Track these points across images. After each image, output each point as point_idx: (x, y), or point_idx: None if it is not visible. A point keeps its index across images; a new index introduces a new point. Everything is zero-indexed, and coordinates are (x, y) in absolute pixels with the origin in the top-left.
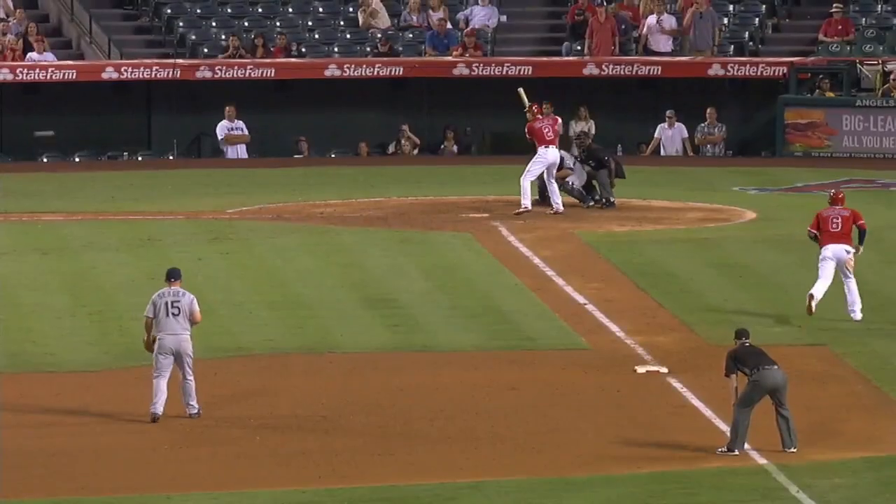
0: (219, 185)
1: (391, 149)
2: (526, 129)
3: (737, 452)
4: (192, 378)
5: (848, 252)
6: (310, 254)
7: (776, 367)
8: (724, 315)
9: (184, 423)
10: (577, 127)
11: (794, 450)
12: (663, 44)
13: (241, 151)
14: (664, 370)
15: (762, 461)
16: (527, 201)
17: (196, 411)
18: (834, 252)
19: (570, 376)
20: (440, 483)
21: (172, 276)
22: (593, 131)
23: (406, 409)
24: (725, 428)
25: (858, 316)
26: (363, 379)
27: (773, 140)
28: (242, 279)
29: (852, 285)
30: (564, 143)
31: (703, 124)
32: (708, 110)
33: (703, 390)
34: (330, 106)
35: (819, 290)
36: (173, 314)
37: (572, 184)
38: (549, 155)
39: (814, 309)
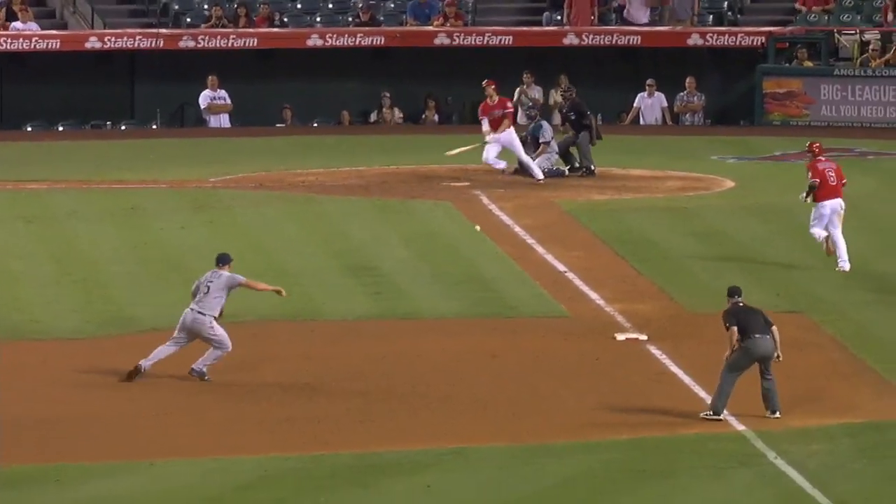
0: (202, 155)
1: (373, 118)
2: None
3: (721, 418)
4: (218, 351)
5: (842, 206)
6: (292, 222)
7: (767, 336)
8: (703, 283)
9: (169, 390)
10: (556, 97)
11: (779, 414)
12: (642, 14)
13: (223, 120)
14: (644, 337)
15: (741, 427)
16: (501, 165)
17: (198, 371)
18: (832, 207)
19: (550, 344)
20: (422, 449)
21: (220, 260)
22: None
23: (388, 376)
24: (704, 395)
25: (847, 266)
26: (346, 346)
27: (752, 109)
28: (226, 247)
29: (840, 237)
30: (546, 112)
31: (682, 93)
32: (687, 79)
33: (682, 358)
34: (312, 75)
35: (823, 233)
36: (203, 293)
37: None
38: (501, 139)
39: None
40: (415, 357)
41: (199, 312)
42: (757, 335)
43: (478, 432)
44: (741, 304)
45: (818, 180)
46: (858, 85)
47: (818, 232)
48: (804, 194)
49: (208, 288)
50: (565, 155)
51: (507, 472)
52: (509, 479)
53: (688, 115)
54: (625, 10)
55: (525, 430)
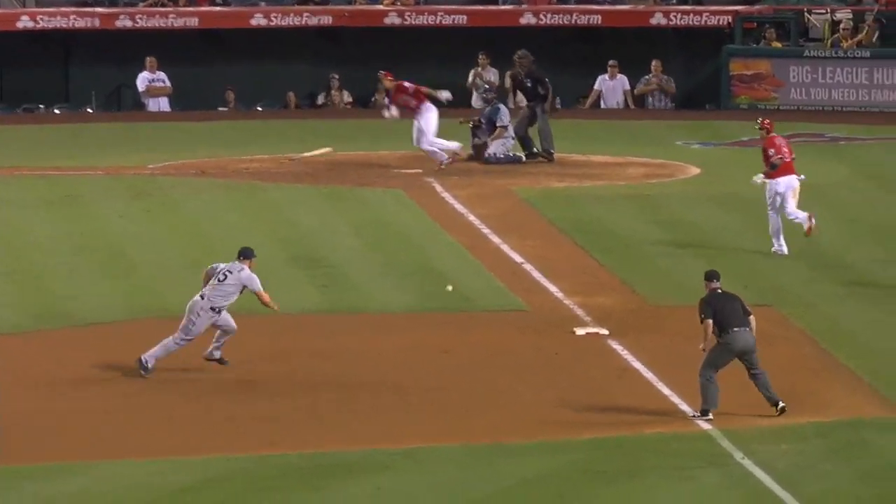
0: (140, 140)
1: (321, 100)
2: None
3: (711, 416)
4: (227, 336)
5: (797, 182)
6: (236, 211)
7: (747, 328)
8: (666, 275)
9: (107, 390)
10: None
11: (782, 404)
12: None
13: (162, 104)
14: (605, 332)
15: (706, 426)
16: (451, 147)
17: (211, 355)
18: (787, 184)
19: (507, 338)
20: (373, 449)
21: (243, 254)
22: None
23: (337, 373)
24: (668, 392)
25: (785, 250)
26: (292, 342)
27: (718, 92)
28: (166, 237)
29: (793, 213)
30: (503, 95)
31: (647, 76)
32: (653, 62)
33: (644, 353)
34: (256, 56)
35: (802, 214)
36: (218, 279)
37: (495, 154)
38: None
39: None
40: (365, 353)
41: (212, 308)
42: (735, 328)
43: (431, 432)
44: (720, 291)
45: (780, 158)
46: (829, 66)
47: (800, 215)
48: (760, 176)
49: (225, 276)
50: (524, 139)
51: (462, 474)
52: (464, 480)
53: (654, 98)
54: None
55: (480, 429)
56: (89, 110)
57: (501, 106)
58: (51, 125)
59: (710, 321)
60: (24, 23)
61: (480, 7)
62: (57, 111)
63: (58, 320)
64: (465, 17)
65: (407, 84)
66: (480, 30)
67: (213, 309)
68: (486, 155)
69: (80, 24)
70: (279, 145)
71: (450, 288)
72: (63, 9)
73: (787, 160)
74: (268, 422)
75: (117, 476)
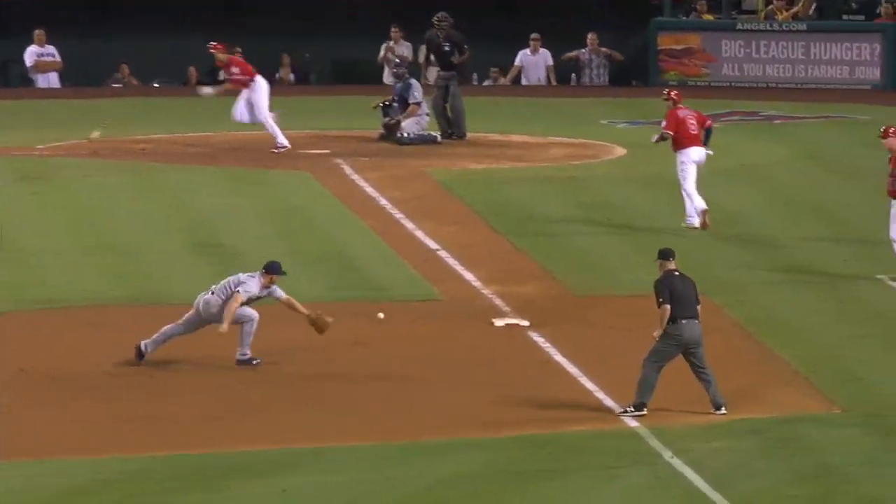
0: (28, 118)
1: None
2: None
3: (645, 411)
4: (247, 325)
5: (708, 151)
6: (131, 194)
7: (696, 320)
8: (590, 261)
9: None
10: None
11: (724, 410)
12: None
13: (52, 80)
14: (525, 323)
15: (633, 424)
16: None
17: (245, 360)
18: (698, 155)
19: (421, 330)
20: (278, 449)
21: (268, 269)
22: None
23: (239, 368)
24: (592, 386)
25: (696, 222)
26: (192, 334)
27: (646, 68)
28: (56, 223)
29: (702, 203)
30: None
31: (583, 50)
32: (589, 36)
33: (567, 345)
34: (153, 29)
35: (701, 200)
36: (229, 282)
37: (409, 134)
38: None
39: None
40: (269, 346)
41: (213, 294)
42: (684, 320)
43: (340, 430)
44: (677, 273)
45: (672, 132)
46: (764, 41)
47: (698, 202)
48: (655, 136)
49: (238, 281)
50: (441, 117)
51: (373, 475)
52: (375, 482)
53: (591, 71)
54: None
55: (393, 427)
56: None
57: (413, 81)
58: None
59: (668, 306)
60: None
61: None
62: None
63: None
64: None
65: (237, 60)
66: (392, 1)
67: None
68: (399, 135)
69: None
70: (178, 124)
71: (381, 315)
72: None
73: (694, 133)
74: (165, 420)
75: (2, 478)
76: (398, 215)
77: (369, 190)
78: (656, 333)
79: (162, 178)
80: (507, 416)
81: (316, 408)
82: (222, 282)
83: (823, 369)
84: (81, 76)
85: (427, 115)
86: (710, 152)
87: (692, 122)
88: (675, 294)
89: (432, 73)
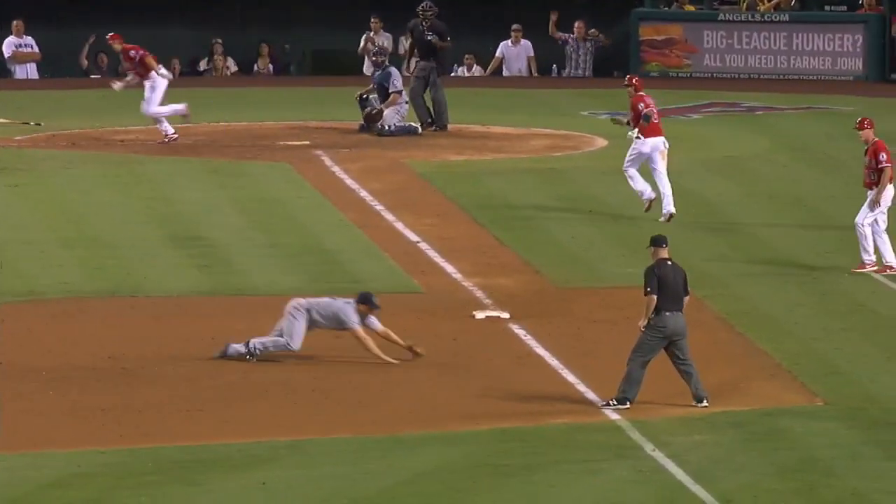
0: (6, 109)
1: (202, 67)
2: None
3: (628, 405)
4: (281, 340)
5: (665, 144)
6: (110, 186)
7: (680, 312)
8: (571, 254)
9: None
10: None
11: (706, 403)
12: None
13: (30, 71)
14: (506, 315)
15: (615, 416)
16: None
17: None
18: (653, 145)
19: (402, 322)
20: (256, 442)
21: (367, 301)
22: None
23: (218, 360)
24: (574, 379)
25: (673, 209)
26: (170, 326)
27: (627, 59)
28: (34, 214)
29: (665, 177)
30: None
31: (570, 35)
32: (576, 24)
33: (548, 338)
34: (133, 19)
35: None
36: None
37: (389, 126)
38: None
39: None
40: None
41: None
42: (668, 312)
43: (319, 423)
44: (668, 262)
45: (653, 110)
46: (746, 31)
47: (646, 192)
48: (635, 131)
49: (345, 312)
50: (420, 107)
51: (352, 468)
52: (354, 474)
53: (574, 58)
54: None
55: (372, 419)
56: None
57: (393, 69)
58: None
59: (656, 297)
60: None
61: None
62: None
63: None
64: None
65: (133, 52)
66: None
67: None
68: (381, 126)
69: None
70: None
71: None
72: None
73: (656, 121)
74: (142, 412)
75: None
76: (378, 207)
77: (349, 182)
78: (642, 324)
79: (141, 169)
80: (488, 409)
81: (295, 400)
82: (318, 299)
83: (806, 362)
84: (60, 67)
85: (406, 102)
86: (668, 144)
87: (655, 112)
88: (665, 284)
89: (414, 64)
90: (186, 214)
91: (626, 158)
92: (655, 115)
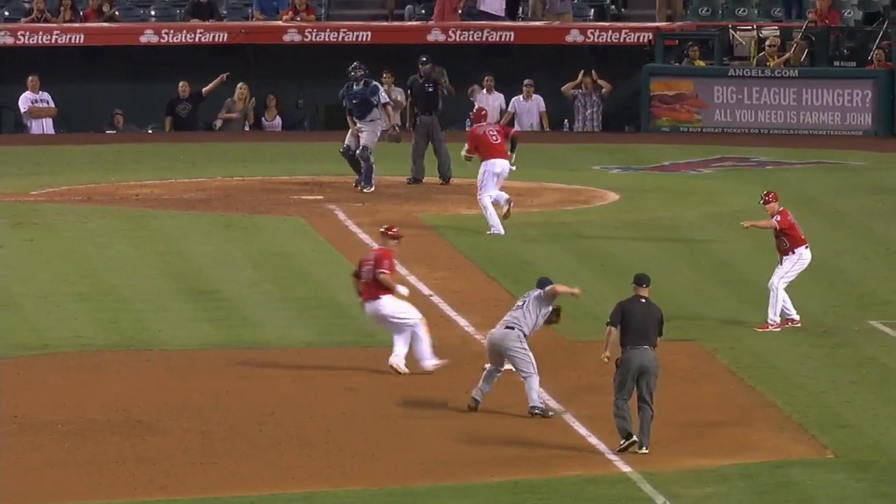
0: (22, 164)
1: (218, 125)
2: None
3: (634, 438)
4: (531, 379)
5: (511, 166)
6: (124, 240)
7: (647, 347)
8: (583, 307)
9: None
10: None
11: (645, 450)
12: (496, 6)
13: (46, 126)
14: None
15: (626, 468)
16: None
17: (539, 408)
18: (502, 166)
19: (413, 375)
20: (269, 494)
21: (541, 285)
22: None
23: (232, 412)
24: (585, 432)
25: (501, 230)
26: (184, 379)
27: (638, 114)
28: (49, 268)
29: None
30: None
31: (577, 91)
32: (582, 76)
33: (560, 390)
34: (148, 76)
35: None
36: (517, 306)
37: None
38: None
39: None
40: (261, 391)
41: (507, 326)
42: (633, 347)
43: (331, 474)
44: (642, 300)
45: (472, 155)
46: (756, 87)
47: (489, 209)
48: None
49: (524, 302)
50: (419, 164)
51: None
52: None
53: (584, 110)
54: (479, 1)
55: (384, 471)
56: None
57: (375, 83)
58: None
59: (613, 329)
60: None
61: (385, 23)
62: None
63: None
64: (368, 33)
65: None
66: (385, 47)
67: (509, 326)
68: (362, 148)
69: None
70: (171, 170)
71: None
72: None
73: (497, 143)
74: (156, 464)
75: None
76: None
77: (362, 235)
78: (603, 356)
79: (155, 224)
80: (500, 461)
81: (304, 452)
82: (520, 310)
83: (815, 414)
84: (75, 122)
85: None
86: (514, 167)
87: (494, 134)
88: (631, 320)
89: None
90: (200, 268)
91: (479, 185)
92: (496, 137)
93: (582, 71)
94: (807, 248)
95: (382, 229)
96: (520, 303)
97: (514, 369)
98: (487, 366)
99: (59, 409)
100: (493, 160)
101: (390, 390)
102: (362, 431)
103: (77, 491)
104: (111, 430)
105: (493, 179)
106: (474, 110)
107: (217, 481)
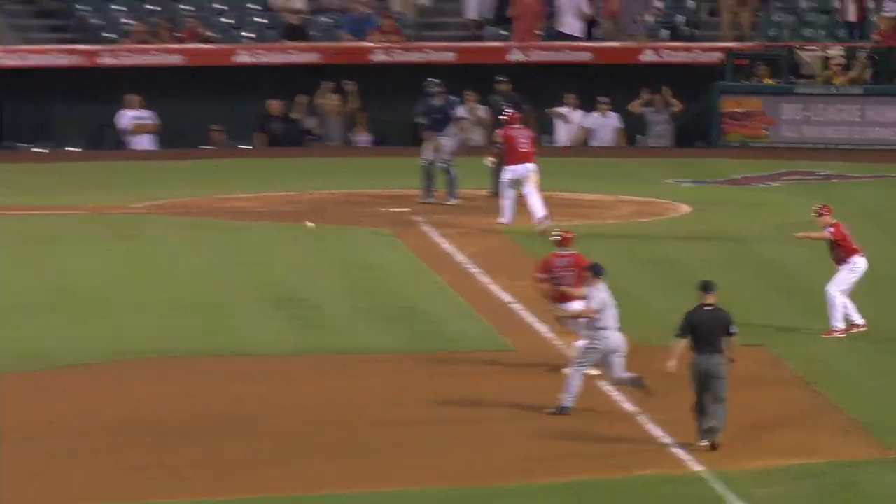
0: (124, 179)
1: (310, 138)
2: None
3: (708, 438)
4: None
5: (532, 170)
6: (219, 251)
7: (715, 353)
8: (656, 314)
9: (92, 433)
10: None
11: (707, 444)
12: (576, 28)
13: (148, 142)
14: (595, 372)
15: (698, 468)
16: None
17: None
18: (524, 170)
19: (493, 379)
20: (361, 493)
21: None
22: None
23: (321, 414)
24: (660, 433)
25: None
26: (271, 384)
27: (709, 130)
28: (149, 278)
29: (534, 195)
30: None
31: (648, 109)
32: (663, 89)
33: (636, 394)
34: (242, 93)
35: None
36: (611, 306)
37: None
38: None
39: None
40: (349, 394)
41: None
42: (700, 354)
43: (415, 474)
44: (707, 308)
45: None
46: (821, 104)
47: (509, 215)
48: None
49: (613, 302)
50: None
51: None
52: None
53: (656, 126)
54: (558, 22)
55: (463, 471)
56: (72, 149)
57: (452, 97)
58: (31, 164)
59: (681, 341)
60: (3, 59)
61: (467, 44)
62: (38, 149)
63: (32, 363)
64: (452, 53)
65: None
66: (468, 67)
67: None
68: (445, 161)
69: (62, 61)
70: (265, 183)
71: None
72: (45, 46)
73: (525, 150)
74: (251, 465)
75: None
76: (473, 270)
77: (446, 246)
78: (669, 365)
79: (248, 235)
80: (576, 461)
81: (391, 453)
82: (611, 312)
83: (882, 419)
84: (175, 139)
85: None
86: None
87: (523, 140)
88: (699, 328)
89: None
90: (290, 277)
91: (500, 186)
92: (524, 144)
93: (648, 89)
94: (861, 256)
95: (556, 235)
96: (613, 303)
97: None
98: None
99: (158, 413)
100: (514, 166)
101: (470, 393)
102: (444, 432)
103: (188, 489)
104: (217, 432)
105: (512, 184)
106: (507, 114)
107: (309, 481)
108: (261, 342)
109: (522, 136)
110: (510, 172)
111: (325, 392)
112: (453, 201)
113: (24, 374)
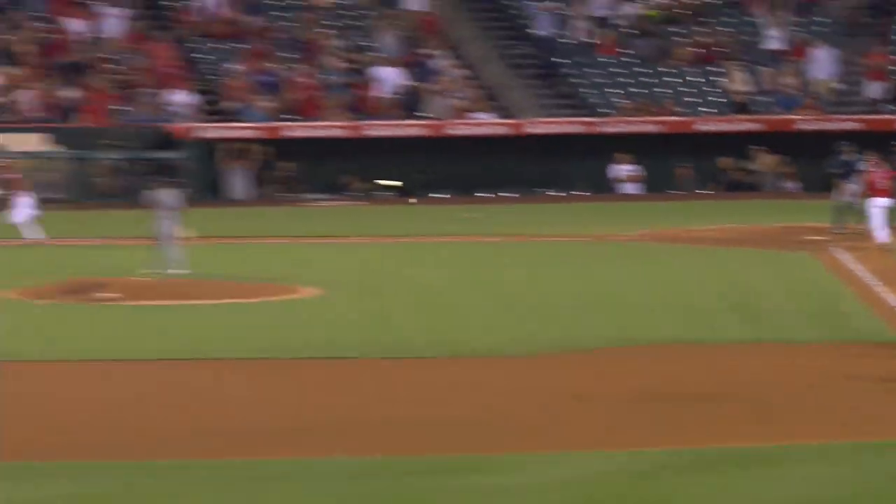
0: (619, 215)
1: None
2: None
3: None
4: None
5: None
6: (696, 266)
7: None
8: None
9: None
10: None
11: None
12: None
13: (634, 188)
14: None
15: None
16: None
17: None
18: (880, 203)
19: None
20: (768, 446)
21: None
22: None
23: (793, 384)
24: None
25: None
26: (724, 367)
27: None
28: (649, 285)
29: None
30: None
31: None
32: None
33: None
34: (701, 153)
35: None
36: None
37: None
38: None
39: None
40: (794, 372)
41: None
42: None
43: (817, 432)
44: None
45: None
46: None
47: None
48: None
49: None
50: (838, 214)
51: (834, 469)
52: (841, 475)
53: None
54: None
55: (810, 431)
56: (579, 192)
57: (858, 155)
58: (544, 204)
59: None
60: (531, 128)
61: (869, 116)
62: (551, 192)
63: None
64: (858, 124)
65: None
66: (870, 133)
67: None
68: (852, 206)
69: (575, 129)
70: (718, 219)
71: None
72: (560, 119)
73: (882, 188)
74: (736, 422)
75: (587, 464)
76: (874, 284)
77: (852, 265)
78: None
79: (716, 257)
80: None
81: (802, 417)
82: None
83: None
84: (654, 184)
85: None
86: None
87: (880, 179)
88: None
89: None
90: (746, 287)
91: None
92: (881, 182)
93: None
94: None
95: None
96: None
97: None
98: None
99: (668, 386)
100: (873, 198)
101: (882, 370)
102: (844, 405)
103: (645, 440)
104: (715, 397)
105: (877, 212)
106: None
107: (769, 433)
108: (730, 332)
109: (880, 177)
110: (873, 203)
111: (776, 369)
112: (854, 232)
113: (561, 356)
